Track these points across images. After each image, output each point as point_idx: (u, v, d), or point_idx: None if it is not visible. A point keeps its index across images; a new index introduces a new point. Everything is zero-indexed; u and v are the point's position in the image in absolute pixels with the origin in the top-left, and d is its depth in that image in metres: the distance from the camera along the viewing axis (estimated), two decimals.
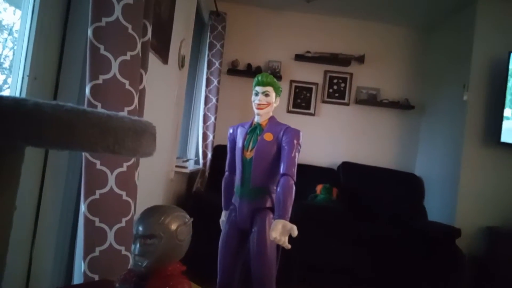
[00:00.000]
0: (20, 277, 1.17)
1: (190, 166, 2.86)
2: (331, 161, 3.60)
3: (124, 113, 1.10)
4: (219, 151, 3.30)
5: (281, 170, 1.31)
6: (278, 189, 1.27)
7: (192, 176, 3.23)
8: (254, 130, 1.42)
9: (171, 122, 2.31)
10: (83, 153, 1.06)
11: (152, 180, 2.03)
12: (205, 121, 3.20)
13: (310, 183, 3.06)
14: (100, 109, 1.03)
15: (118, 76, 1.08)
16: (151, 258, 0.34)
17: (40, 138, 0.35)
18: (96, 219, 1.06)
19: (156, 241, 0.35)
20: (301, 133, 1.38)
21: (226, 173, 1.56)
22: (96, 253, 1.07)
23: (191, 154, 3.47)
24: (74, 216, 1.27)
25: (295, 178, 1.29)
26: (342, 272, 2.48)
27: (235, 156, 1.46)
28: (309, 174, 3.23)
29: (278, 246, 1.34)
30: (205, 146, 3.20)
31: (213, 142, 3.27)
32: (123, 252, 1.13)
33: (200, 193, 2.99)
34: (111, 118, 0.42)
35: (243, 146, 1.41)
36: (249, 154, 1.39)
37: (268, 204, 1.37)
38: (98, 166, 1.06)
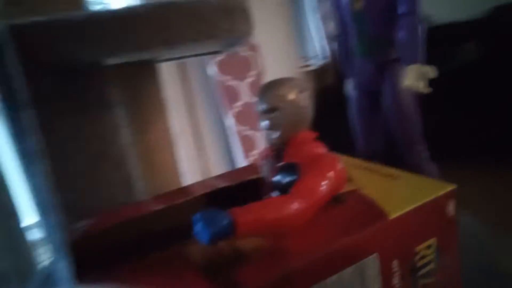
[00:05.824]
0: None
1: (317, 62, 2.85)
2: (472, 9, 2.62)
3: None
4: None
5: (400, 9, 1.10)
6: (400, 33, 1.11)
7: (321, 72, 3.20)
8: None
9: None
10: None
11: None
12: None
13: (443, 50, 2.49)
14: None
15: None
16: (280, 128, 0.40)
17: (141, 40, 0.43)
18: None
19: (278, 112, 0.40)
20: None
21: (339, 38, 1.43)
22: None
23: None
24: None
25: (420, 15, 1.07)
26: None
27: (342, 16, 1.34)
28: (438, 38, 2.52)
29: (415, 98, 1.23)
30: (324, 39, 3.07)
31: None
32: None
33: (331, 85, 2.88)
34: (195, 2, 0.45)
35: None
36: (358, 5, 1.22)
37: (394, 56, 1.21)
38: None
